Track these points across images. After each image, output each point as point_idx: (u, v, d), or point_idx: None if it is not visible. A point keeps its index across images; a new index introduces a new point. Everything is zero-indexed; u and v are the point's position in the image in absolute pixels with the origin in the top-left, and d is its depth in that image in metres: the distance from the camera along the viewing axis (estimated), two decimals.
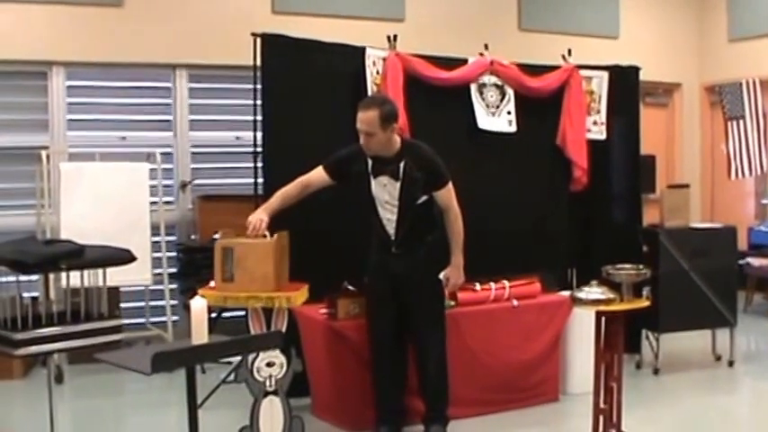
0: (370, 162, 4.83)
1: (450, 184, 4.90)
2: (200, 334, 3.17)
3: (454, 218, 4.91)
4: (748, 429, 5.46)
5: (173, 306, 7.18)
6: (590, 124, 6.74)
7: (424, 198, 4.86)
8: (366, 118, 4.68)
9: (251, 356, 4.50)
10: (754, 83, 8.57)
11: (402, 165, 4.77)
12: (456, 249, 4.96)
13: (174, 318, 7.18)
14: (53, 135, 7.45)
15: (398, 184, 4.79)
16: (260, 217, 4.62)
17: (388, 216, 4.86)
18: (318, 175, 4.91)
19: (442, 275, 5.01)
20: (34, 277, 5.08)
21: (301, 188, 4.88)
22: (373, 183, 4.85)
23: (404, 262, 4.88)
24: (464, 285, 5.59)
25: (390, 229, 4.87)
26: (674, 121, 10.19)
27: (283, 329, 4.63)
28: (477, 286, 5.65)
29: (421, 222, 4.89)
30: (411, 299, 4.93)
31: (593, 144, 6.71)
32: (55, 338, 4.25)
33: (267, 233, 4.57)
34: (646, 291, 5.06)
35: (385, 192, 4.83)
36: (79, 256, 4.35)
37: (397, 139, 4.83)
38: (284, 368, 4.61)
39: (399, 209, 4.83)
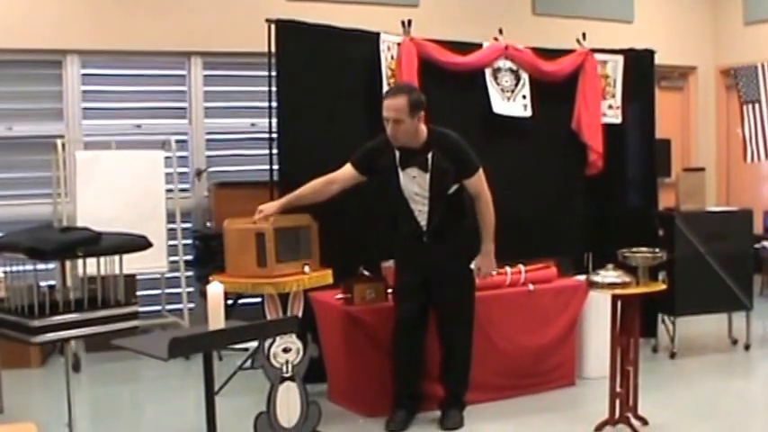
0: (397, 154, 4.79)
1: (481, 171, 4.85)
2: (216, 319, 3.18)
3: (485, 205, 4.86)
4: (765, 413, 5.44)
5: (188, 293, 7.21)
6: (605, 108, 6.72)
7: (454, 187, 4.83)
8: (394, 105, 4.63)
9: (267, 342, 4.52)
10: None
11: (430, 156, 4.73)
12: (487, 237, 4.91)
13: (190, 305, 7.21)
14: (68, 124, 7.47)
15: (428, 176, 4.75)
16: (268, 212, 4.66)
17: (419, 208, 4.83)
18: (346, 171, 4.87)
19: (473, 265, 4.99)
20: (51, 265, 5.10)
21: (325, 183, 4.84)
22: (402, 175, 4.81)
23: (436, 251, 4.85)
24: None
25: (422, 219, 4.84)
26: (689, 104, 10.12)
27: (299, 315, 4.64)
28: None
29: (452, 211, 4.86)
30: (442, 288, 4.91)
31: (608, 128, 6.69)
32: (72, 325, 4.27)
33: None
34: (662, 274, 5.06)
35: (414, 184, 4.80)
36: (96, 243, 4.36)
37: (424, 129, 4.78)
38: (300, 354, 4.62)
39: (430, 200, 4.79)
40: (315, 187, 4.83)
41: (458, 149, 4.78)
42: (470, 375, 5.10)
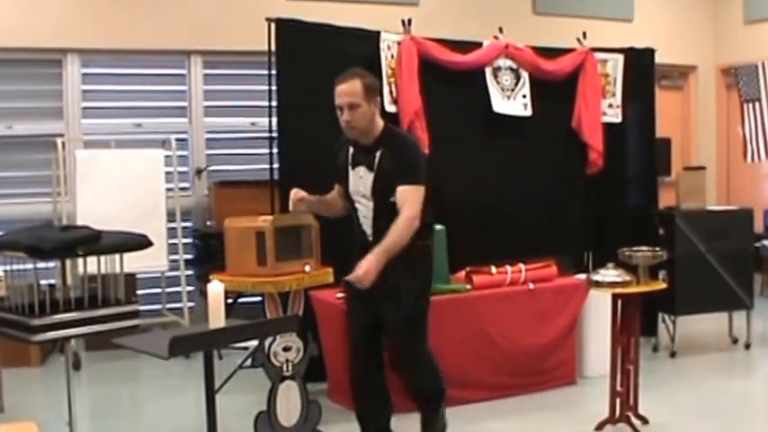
0: (351, 151, 4.37)
1: (418, 188, 4.17)
2: (216, 318, 3.17)
3: (404, 222, 4.10)
4: (766, 411, 5.44)
5: (188, 292, 7.21)
6: (605, 107, 6.73)
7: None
8: (349, 88, 4.20)
9: (268, 341, 4.51)
10: None
11: (378, 154, 4.24)
12: (381, 247, 4.07)
13: (190, 304, 7.21)
14: (68, 123, 7.47)
15: (372, 176, 4.26)
16: (299, 194, 4.36)
17: (364, 213, 4.33)
18: (335, 190, 4.54)
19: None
20: (51, 264, 5.10)
21: (337, 195, 4.53)
22: (351, 174, 4.36)
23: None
24: (480, 269, 5.59)
25: (367, 227, 4.34)
26: (689, 103, 10.12)
27: (300, 314, 4.63)
28: (494, 269, 5.64)
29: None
30: (385, 306, 4.30)
31: (608, 127, 6.69)
32: (72, 324, 4.25)
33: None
34: (662, 273, 5.08)
35: (360, 184, 4.32)
36: (96, 242, 4.35)
37: (380, 123, 4.31)
38: (301, 352, 4.61)
39: (374, 205, 4.28)
40: (335, 197, 4.53)
41: (404, 152, 4.23)
42: (440, 383, 4.46)
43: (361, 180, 4.31)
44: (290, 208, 4.39)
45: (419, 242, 4.23)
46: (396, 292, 4.22)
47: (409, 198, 4.14)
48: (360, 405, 4.59)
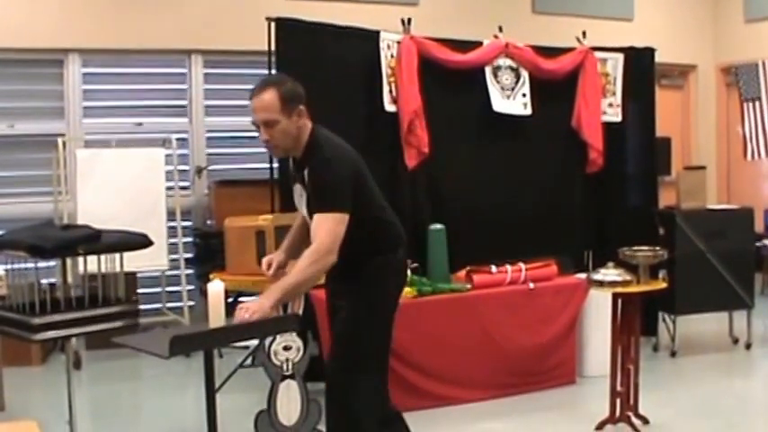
0: (291, 166, 3.80)
1: (334, 216, 3.45)
2: (217, 317, 3.18)
3: (308, 255, 3.42)
4: (766, 412, 5.43)
5: (189, 291, 7.21)
6: (605, 106, 6.72)
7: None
8: (262, 103, 3.60)
9: (268, 340, 4.51)
10: None
11: (307, 170, 3.61)
12: (278, 286, 3.43)
13: (191, 303, 7.21)
14: (69, 122, 7.48)
15: (305, 196, 3.66)
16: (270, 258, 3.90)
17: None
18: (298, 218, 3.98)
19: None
20: (52, 263, 5.09)
21: (297, 228, 4.00)
22: (294, 192, 3.79)
23: (334, 290, 3.88)
24: (480, 268, 5.59)
25: None
26: (689, 102, 10.12)
27: (300, 313, 4.63)
28: (494, 269, 5.64)
29: (347, 246, 3.48)
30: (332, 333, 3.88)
31: (608, 126, 6.69)
32: (72, 323, 4.25)
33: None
34: (662, 273, 5.06)
35: (302, 203, 3.73)
36: (96, 241, 4.35)
37: (308, 130, 3.66)
38: (301, 352, 4.61)
39: None
40: (297, 233, 3.98)
41: (318, 171, 3.55)
42: None
43: (301, 199, 3.71)
44: (271, 276, 3.83)
45: (378, 258, 3.70)
46: (341, 306, 3.73)
47: (320, 226, 3.45)
48: None
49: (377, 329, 3.75)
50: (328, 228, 3.44)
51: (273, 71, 5.51)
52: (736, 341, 6.84)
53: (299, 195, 3.72)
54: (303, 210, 3.73)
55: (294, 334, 4.55)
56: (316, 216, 3.49)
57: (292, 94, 3.63)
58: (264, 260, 3.87)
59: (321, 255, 3.41)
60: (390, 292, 3.81)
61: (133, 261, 4.71)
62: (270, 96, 3.59)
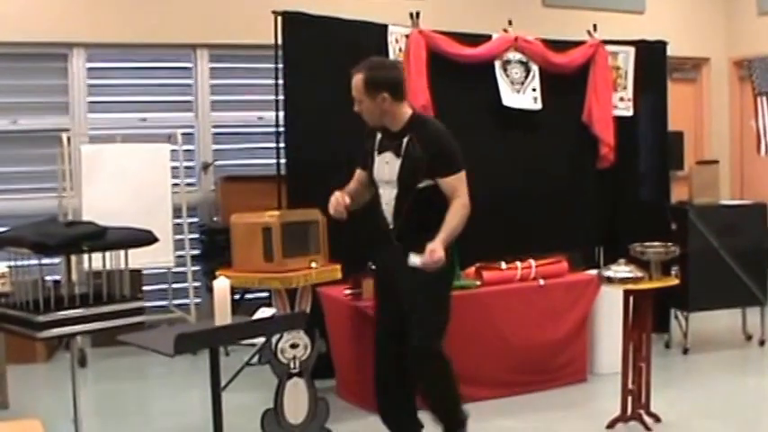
0: (378, 137, 4.33)
1: (461, 174, 4.19)
2: (223, 315, 3.14)
3: (459, 206, 4.14)
4: None
5: (195, 288, 7.17)
6: (616, 100, 6.68)
7: (426, 183, 4.17)
8: (353, 81, 4.23)
9: (275, 338, 4.47)
10: None
11: (406, 140, 4.18)
12: (442, 234, 4.06)
13: (197, 300, 7.17)
14: (74, 117, 7.44)
15: (398, 162, 4.20)
16: (339, 196, 4.27)
17: (387, 199, 4.26)
18: (357, 174, 4.46)
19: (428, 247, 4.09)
20: (56, 260, 5.06)
21: (358, 183, 4.45)
22: (377, 160, 4.30)
23: (402, 258, 4.12)
24: (490, 265, 5.54)
25: (388, 214, 4.26)
26: (702, 96, 10.03)
27: (307, 310, 4.59)
28: (504, 265, 5.59)
29: (423, 212, 4.16)
30: (408, 300, 4.23)
31: (619, 121, 6.65)
32: (77, 321, 4.22)
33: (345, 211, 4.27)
34: (674, 269, 5.02)
35: (386, 170, 4.26)
36: (101, 238, 4.32)
37: (405, 112, 4.24)
38: (308, 349, 4.57)
39: (398, 192, 4.20)
40: (359, 184, 4.44)
41: (436, 141, 4.19)
42: (453, 391, 4.36)
43: (387, 166, 4.25)
44: (331, 212, 4.27)
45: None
46: (418, 272, 4.09)
47: (457, 187, 4.16)
48: (383, 419, 4.49)
49: (448, 292, 4.37)
50: (461, 185, 4.18)
51: (280, 65, 5.47)
52: (749, 338, 6.79)
53: (385, 162, 4.26)
54: (386, 175, 4.25)
55: (301, 331, 4.49)
56: (446, 180, 4.15)
57: (376, 81, 4.18)
58: (338, 194, 4.27)
59: (466, 207, 4.16)
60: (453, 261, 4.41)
61: (139, 258, 4.68)
62: (358, 79, 4.22)
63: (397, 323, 4.27)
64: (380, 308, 4.46)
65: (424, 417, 4.44)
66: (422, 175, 4.16)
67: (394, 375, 4.37)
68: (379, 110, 4.19)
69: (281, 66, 5.50)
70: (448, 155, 4.18)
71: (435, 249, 3.98)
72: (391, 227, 4.27)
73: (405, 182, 4.19)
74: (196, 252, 7.36)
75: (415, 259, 4.05)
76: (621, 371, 4.80)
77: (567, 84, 6.42)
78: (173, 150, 7.06)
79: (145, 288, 6.90)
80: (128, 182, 6.74)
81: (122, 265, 4.45)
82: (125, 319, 4.38)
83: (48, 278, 4.41)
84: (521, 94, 6.29)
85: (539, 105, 6.33)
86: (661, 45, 6.94)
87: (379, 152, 4.30)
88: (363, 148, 4.40)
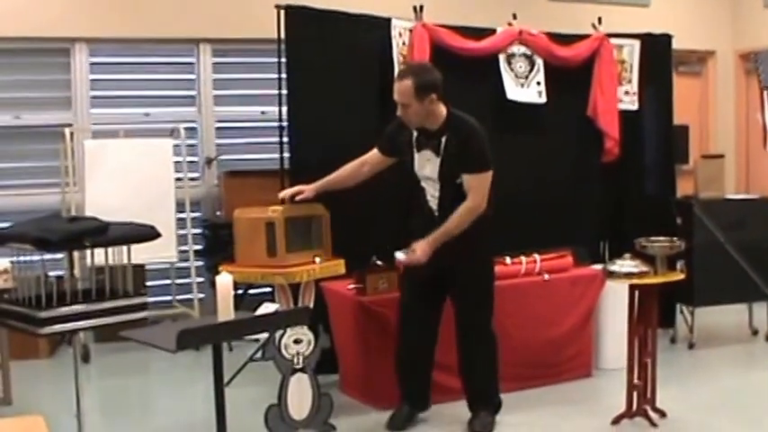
0: (415, 134, 4.62)
1: (484, 175, 4.54)
2: (225, 310, 3.13)
3: (464, 210, 4.52)
4: None
5: (199, 283, 7.15)
6: (621, 94, 6.63)
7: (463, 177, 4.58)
8: (400, 88, 4.46)
9: (278, 333, 4.45)
10: None
11: (444, 140, 4.51)
12: (439, 232, 4.50)
13: (201, 295, 7.16)
14: (76, 112, 7.43)
15: (438, 161, 4.53)
16: (297, 188, 4.67)
17: (432, 192, 4.63)
18: (373, 154, 4.79)
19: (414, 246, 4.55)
20: (59, 256, 5.05)
21: (358, 166, 4.78)
22: (416, 156, 4.62)
23: (446, 243, 4.52)
24: (495, 259, 5.51)
25: (434, 205, 4.63)
26: (707, 89, 9.99)
27: (311, 305, 4.57)
28: (508, 260, 5.57)
29: (463, 201, 4.56)
30: (456, 280, 4.68)
31: (624, 114, 6.60)
32: (80, 316, 4.21)
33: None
34: (680, 264, 5.01)
35: (427, 167, 4.60)
36: (103, 233, 4.30)
37: (442, 111, 4.55)
38: (312, 345, 4.56)
39: (441, 186, 4.58)
40: (348, 171, 4.78)
41: (468, 139, 4.51)
42: (498, 370, 4.86)
43: (428, 163, 4.58)
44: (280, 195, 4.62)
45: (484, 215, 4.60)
46: (471, 267, 4.66)
47: (475, 186, 4.50)
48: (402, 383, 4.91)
49: (492, 273, 4.86)
50: (480, 186, 4.52)
51: (283, 60, 5.44)
52: (755, 333, 6.77)
53: (426, 159, 4.58)
54: (427, 172, 4.58)
55: (305, 327, 4.47)
56: (468, 177, 4.49)
57: (426, 84, 4.46)
58: (293, 189, 4.68)
59: (473, 209, 4.50)
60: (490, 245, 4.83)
61: (141, 253, 4.66)
62: (406, 84, 4.45)
63: (428, 298, 4.76)
64: (413, 282, 4.77)
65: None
66: (458, 171, 4.53)
67: (424, 341, 4.82)
68: (426, 111, 4.48)
69: (284, 60, 5.47)
70: (475, 154, 4.50)
71: (421, 249, 4.46)
72: (436, 215, 4.62)
73: (446, 178, 4.55)
74: (199, 247, 7.34)
75: (400, 255, 4.51)
76: (627, 366, 4.78)
77: (571, 77, 6.38)
78: (176, 145, 7.04)
79: (148, 283, 6.88)
80: (131, 177, 6.72)
81: (125, 261, 4.43)
82: (128, 314, 4.37)
83: (50, 274, 4.40)
84: (525, 87, 6.26)
85: (543, 99, 6.29)
86: (666, 38, 6.90)
87: (418, 150, 4.62)
88: (389, 136, 4.74)
